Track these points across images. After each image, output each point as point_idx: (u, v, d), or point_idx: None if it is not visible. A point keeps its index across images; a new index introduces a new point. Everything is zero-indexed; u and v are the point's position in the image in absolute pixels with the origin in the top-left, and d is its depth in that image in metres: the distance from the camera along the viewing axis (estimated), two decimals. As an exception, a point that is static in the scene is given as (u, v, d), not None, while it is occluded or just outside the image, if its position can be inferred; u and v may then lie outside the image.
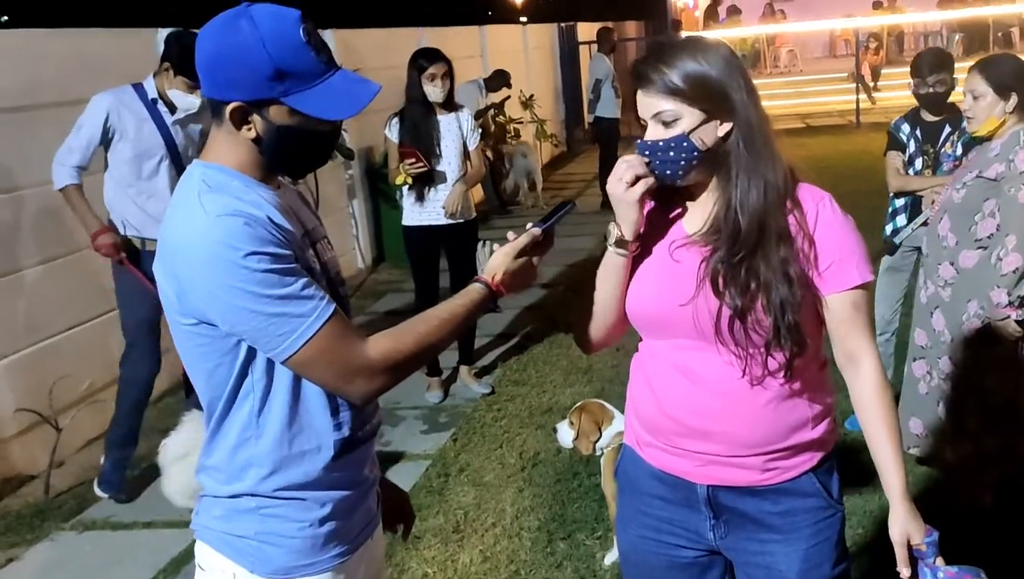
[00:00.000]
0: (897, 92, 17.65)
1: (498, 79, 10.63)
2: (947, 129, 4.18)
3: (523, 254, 1.83)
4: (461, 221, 5.12)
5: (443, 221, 5.08)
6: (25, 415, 4.54)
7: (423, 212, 5.11)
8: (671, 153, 1.78)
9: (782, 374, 1.81)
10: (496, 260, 1.83)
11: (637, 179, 1.79)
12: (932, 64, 4.16)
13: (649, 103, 1.80)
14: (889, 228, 4.40)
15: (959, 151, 4.08)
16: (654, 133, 1.80)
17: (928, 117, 4.24)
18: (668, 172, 1.80)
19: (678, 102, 1.76)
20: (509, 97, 11.08)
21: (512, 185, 11.47)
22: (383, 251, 8.89)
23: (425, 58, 5.00)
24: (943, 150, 4.17)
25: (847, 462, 2.10)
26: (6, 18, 21.11)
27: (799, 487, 1.90)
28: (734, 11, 22.04)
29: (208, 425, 1.77)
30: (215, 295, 1.59)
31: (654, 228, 1.92)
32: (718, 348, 1.82)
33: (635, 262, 1.93)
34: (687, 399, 1.87)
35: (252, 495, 1.75)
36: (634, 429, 2.04)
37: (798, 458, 1.89)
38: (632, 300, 1.93)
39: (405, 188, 5.11)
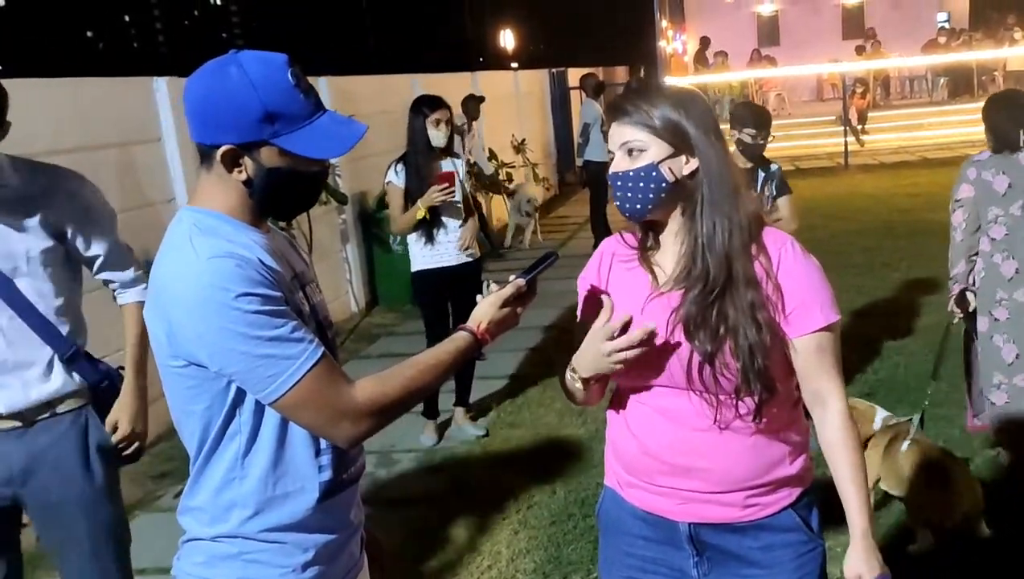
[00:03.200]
0: (885, 135, 17.97)
1: (473, 105, 10.60)
2: (761, 175, 4.65)
3: (507, 304, 1.87)
4: (471, 260, 5.13)
5: (455, 262, 5.08)
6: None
7: (435, 255, 5.07)
8: (640, 184, 1.84)
9: (752, 419, 1.83)
10: (481, 309, 1.86)
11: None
12: (761, 122, 4.65)
13: (620, 132, 1.86)
14: None
15: (774, 192, 4.66)
16: (621, 164, 1.86)
17: (743, 164, 4.62)
18: (638, 205, 1.86)
19: (648, 134, 1.82)
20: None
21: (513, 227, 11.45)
22: (376, 295, 8.91)
23: (429, 104, 5.04)
24: (764, 193, 4.65)
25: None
26: (0, 68, 21.30)
27: (779, 523, 1.92)
28: (721, 55, 22.32)
29: (193, 466, 1.79)
30: (205, 337, 1.60)
31: (625, 281, 1.97)
32: (690, 394, 1.86)
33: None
34: (667, 437, 1.90)
35: (234, 537, 1.75)
36: (615, 471, 2.06)
37: (777, 494, 1.92)
38: None
39: (413, 235, 5.05)
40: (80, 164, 5.20)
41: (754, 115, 4.70)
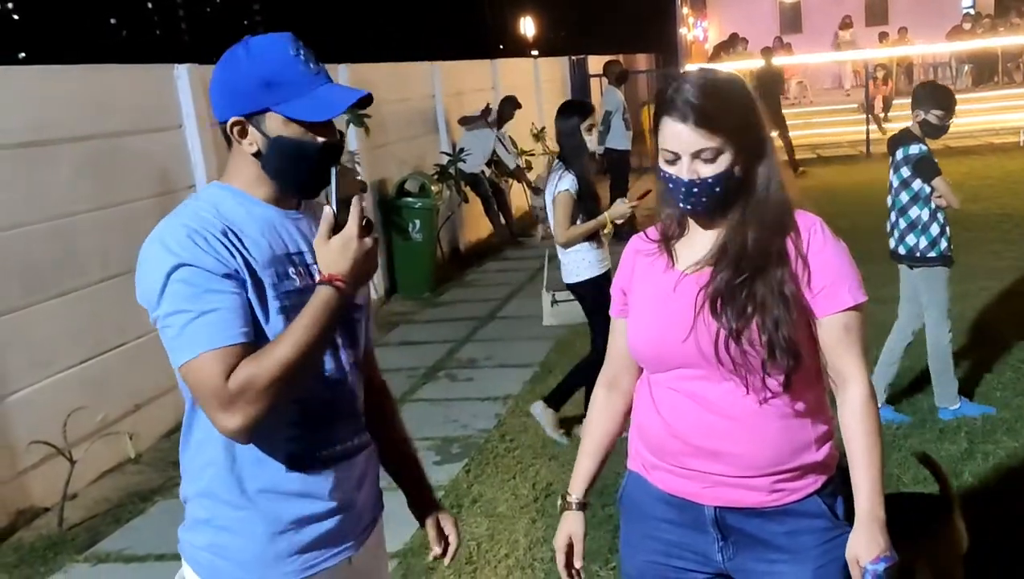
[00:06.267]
0: (907, 122, 17.77)
1: (509, 107, 10.71)
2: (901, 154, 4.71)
3: (330, 239, 1.70)
4: None
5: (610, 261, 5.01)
6: (39, 447, 4.56)
7: (604, 259, 4.87)
8: (717, 189, 1.84)
9: (782, 389, 1.85)
10: (317, 258, 1.74)
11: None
12: (949, 103, 4.65)
13: (691, 140, 1.82)
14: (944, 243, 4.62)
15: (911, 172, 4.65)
16: (693, 169, 1.83)
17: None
18: (708, 208, 1.88)
19: (719, 139, 1.82)
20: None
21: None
22: (395, 283, 8.91)
23: (584, 109, 4.88)
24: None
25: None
26: (23, 55, 21.43)
27: (805, 509, 1.92)
28: (742, 42, 22.14)
29: (183, 429, 1.84)
30: (142, 284, 1.70)
31: (651, 271, 1.99)
32: (721, 373, 1.86)
33: (635, 300, 2.01)
34: (696, 420, 1.91)
35: (206, 496, 1.79)
36: (640, 454, 2.06)
37: (803, 480, 1.92)
38: (633, 339, 2.00)
39: (585, 243, 4.78)
40: (100, 151, 5.27)
41: (943, 96, 4.67)
